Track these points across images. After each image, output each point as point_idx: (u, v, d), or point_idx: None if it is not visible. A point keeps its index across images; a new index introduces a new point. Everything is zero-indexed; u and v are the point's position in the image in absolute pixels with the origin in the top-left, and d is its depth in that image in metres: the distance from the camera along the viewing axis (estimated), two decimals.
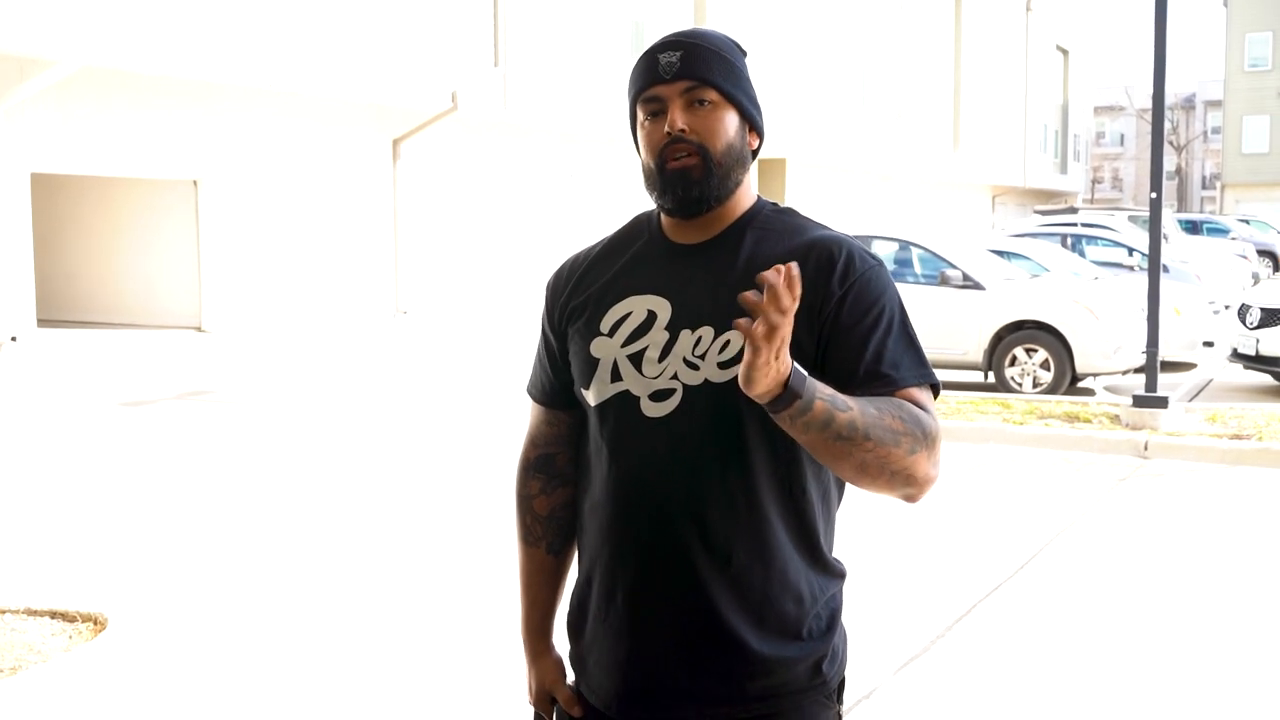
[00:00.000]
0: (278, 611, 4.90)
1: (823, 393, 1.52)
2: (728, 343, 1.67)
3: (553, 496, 1.89)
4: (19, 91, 12.04)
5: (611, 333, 1.75)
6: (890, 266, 11.85)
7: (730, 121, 1.72)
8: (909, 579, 5.48)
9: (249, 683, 4.15)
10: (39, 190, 14.14)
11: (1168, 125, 56.00)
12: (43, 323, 13.67)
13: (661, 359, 1.70)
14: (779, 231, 1.76)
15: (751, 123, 1.76)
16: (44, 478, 7.40)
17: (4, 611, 4.55)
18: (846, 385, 1.62)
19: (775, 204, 1.82)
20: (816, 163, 26.86)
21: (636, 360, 1.72)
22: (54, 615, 4.52)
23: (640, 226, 1.84)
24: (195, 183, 14.81)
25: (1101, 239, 17.66)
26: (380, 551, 5.83)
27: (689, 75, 1.71)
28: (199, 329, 15.05)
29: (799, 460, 1.71)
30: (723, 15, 23.30)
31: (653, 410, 1.70)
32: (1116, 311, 11.03)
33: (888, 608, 4.98)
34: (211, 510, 6.61)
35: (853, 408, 1.54)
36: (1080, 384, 11.29)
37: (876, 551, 5.76)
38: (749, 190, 1.79)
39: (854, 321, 1.66)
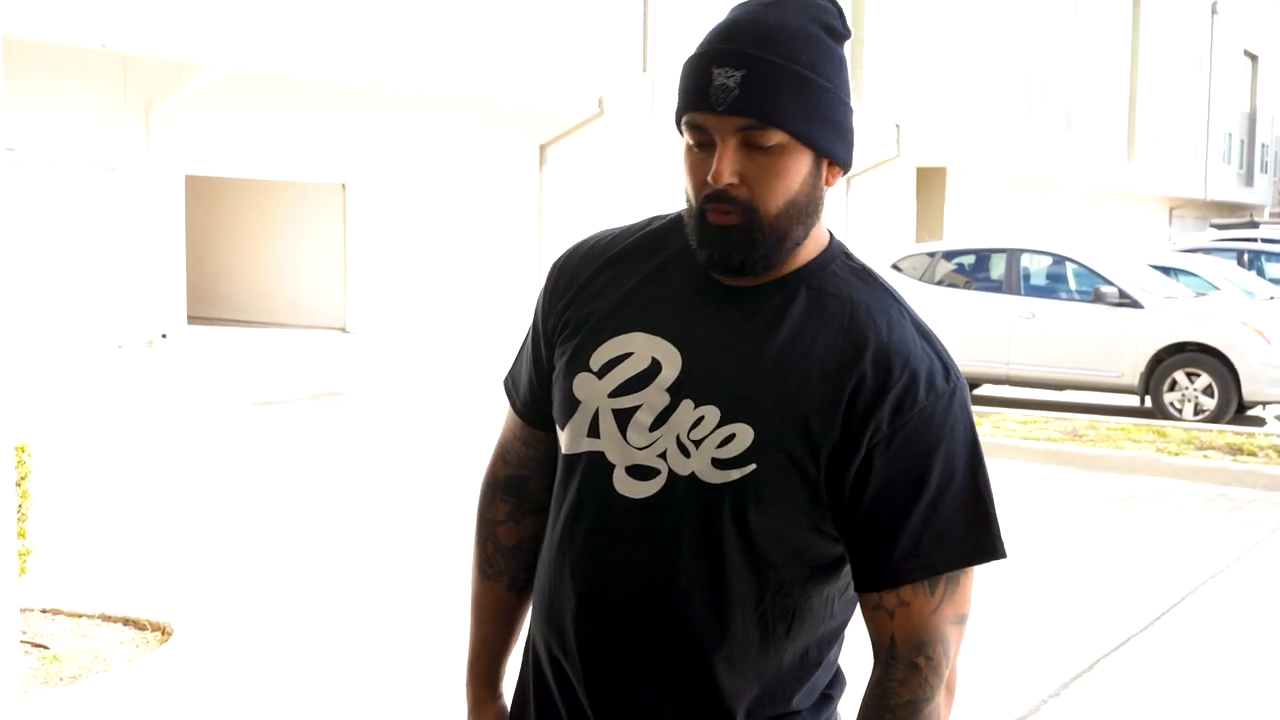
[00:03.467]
0: (350, 629, 4.76)
1: None
2: (732, 437, 1.34)
3: (522, 525, 1.58)
4: (175, 95, 12.40)
5: (601, 374, 1.40)
6: (1042, 281, 11.25)
7: (798, 169, 1.32)
8: (1025, 627, 5.03)
9: (300, 702, 4.00)
10: (192, 192, 14.57)
11: None
12: (193, 320, 14.07)
13: (654, 427, 1.37)
14: (848, 308, 1.37)
15: (833, 157, 1.35)
16: (159, 477, 7.49)
17: (81, 616, 4.52)
18: (867, 558, 1.34)
19: (850, 255, 1.43)
20: (978, 171, 26.00)
21: (623, 419, 1.39)
22: (126, 622, 4.46)
23: (673, 231, 1.45)
24: (343, 186, 15.07)
25: None
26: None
27: (747, 110, 1.28)
28: (343, 330, 15.30)
29: (788, 594, 1.40)
30: (880, 17, 22.73)
31: (626, 488, 1.38)
32: None
33: (996, 659, 4.55)
34: (309, 516, 6.56)
35: None
36: (1248, 413, 10.49)
37: (992, 594, 5.32)
38: (818, 234, 1.40)
39: (898, 476, 1.32)
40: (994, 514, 1.37)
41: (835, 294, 1.38)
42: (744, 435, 1.34)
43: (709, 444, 1.35)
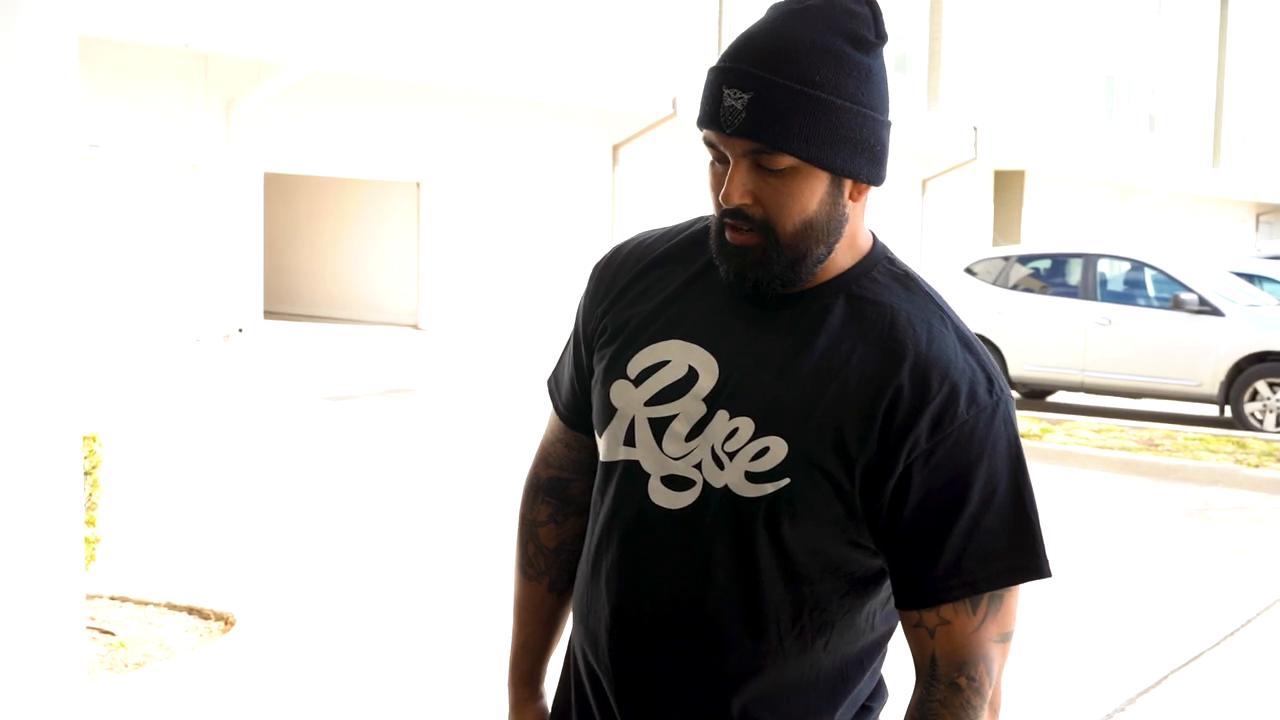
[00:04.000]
0: (411, 622, 4.79)
1: None
2: (766, 450, 1.31)
3: (563, 527, 1.58)
4: (254, 94, 12.60)
5: (638, 381, 1.38)
6: (1120, 287, 11.02)
7: (811, 191, 1.28)
8: (1093, 640, 4.92)
9: (361, 693, 4.04)
10: (270, 189, 14.81)
11: None
12: (269, 315, 14.30)
13: (690, 437, 1.35)
14: (887, 317, 1.33)
15: (854, 176, 1.30)
16: (230, 469, 7.61)
17: (147, 604, 4.60)
18: (907, 576, 1.31)
19: (893, 260, 1.38)
20: (1057, 175, 25.57)
21: (659, 428, 1.36)
22: (191, 611, 4.53)
23: (708, 235, 1.42)
24: (418, 184, 15.21)
25: None
26: None
27: (754, 135, 1.25)
28: (416, 327, 15.45)
29: (826, 608, 1.37)
30: (959, 18, 22.45)
31: (661, 498, 1.37)
32: None
33: (1063, 673, 4.46)
34: (375, 510, 6.62)
35: None
36: None
37: (1061, 606, 5.22)
38: (854, 240, 1.36)
39: (937, 491, 1.29)
40: (1038, 531, 1.33)
41: (875, 301, 1.35)
42: (778, 449, 1.31)
43: (743, 456, 1.32)
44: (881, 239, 1.42)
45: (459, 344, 14.57)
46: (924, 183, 22.74)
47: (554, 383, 1.59)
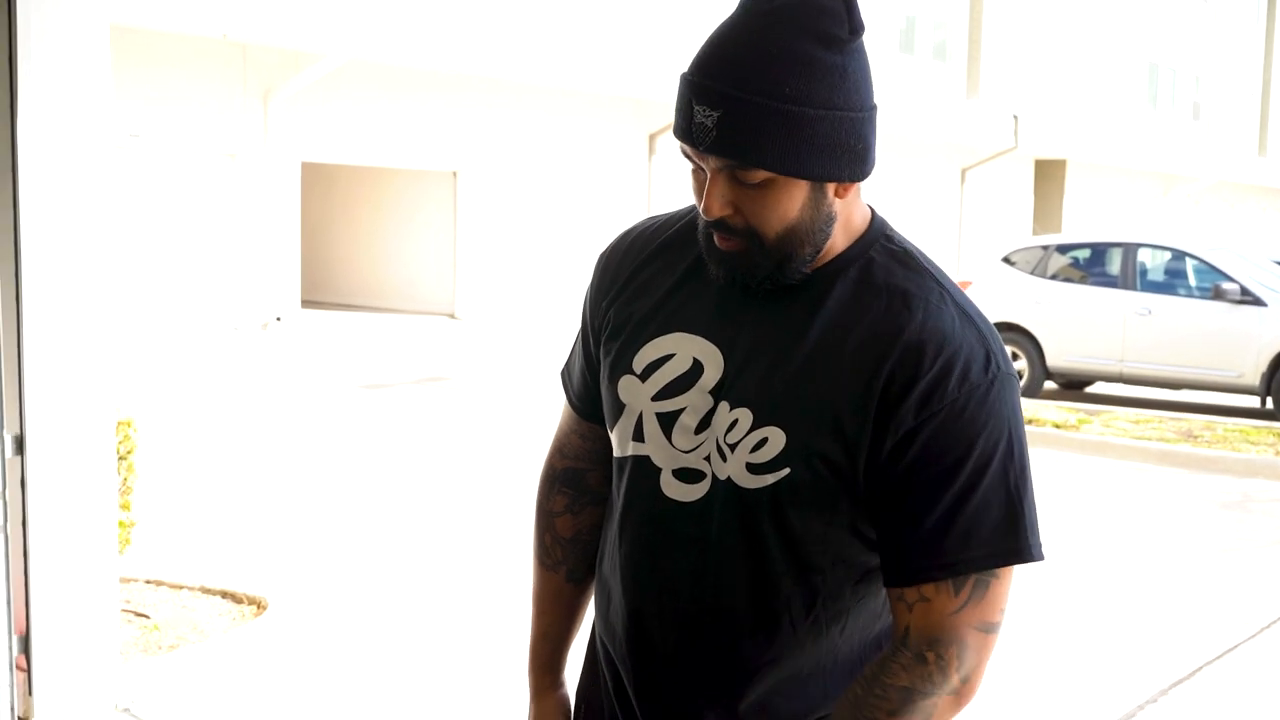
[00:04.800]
0: (443, 607, 4.82)
1: None
2: (765, 441, 1.31)
3: (580, 516, 1.58)
4: (291, 84, 12.68)
5: (644, 376, 1.38)
6: (1160, 277, 10.89)
7: (791, 199, 1.26)
8: (1128, 631, 4.88)
9: (391, 675, 4.06)
10: (308, 179, 14.90)
11: None
12: (306, 304, 14.39)
13: (699, 430, 1.35)
14: (884, 297, 1.31)
15: (836, 180, 1.27)
16: (268, 456, 7.67)
17: (181, 588, 4.65)
18: (890, 553, 1.30)
19: (891, 238, 1.37)
20: (1099, 164, 25.29)
21: (668, 423, 1.37)
22: (224, 595, 4.58)
23: None
24: (454, 173, 15.26)
25: None
26: None
27: (725, 153, 1.23)
28: (452, 316, 15.51)
29: (840, 597, 1.37)
30: (997, 6, 22.23)
31: (673, 491, 1.37)
32: None
33: (1097, 663, 4.42)
34: (409, 497, 6.66)
35: None
36: None
37: (1098, 595, 5.17)
38: (849, 223, 1.34)
39: (923, 467, 1.27)
40: (1028, 514, 1.30)
41: (873, 282, 1.33)
42: (776, 439, 1.31)
43: (743, 448, 1.32)
44: (880, 214, 1.40)
45: (495, 333, 14.62)
46: (964, 172, 22.55)
47: (566, 374, 1.59)
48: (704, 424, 1.35)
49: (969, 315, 1.33)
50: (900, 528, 1.30)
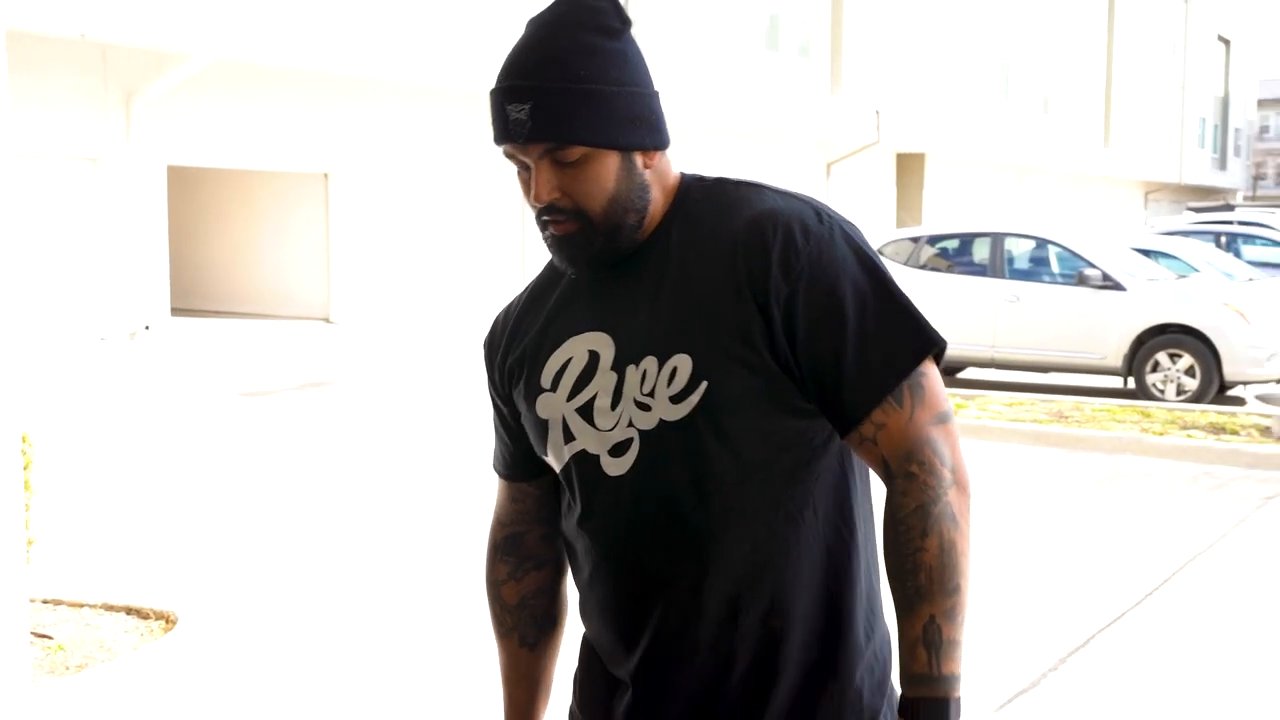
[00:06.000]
0: (352, 616, 4.77)
1: (949, 671, 1.37)
2: (675, 370, 1.42)
3: (522, 583, 1.67)
4: (156, 85, 12.33)
5: (554, 386, 1.50)
6: (1026, 265, 11.32)
7: (607, 171, 1.42)
8: (1021, 605, 5.09)
9: (307, 688, 4.02)
10: (175, 183, 14.50)
11: None
12: (176, 312, 14.01)
13: (614, 406, 1.46)
14: (711, 216, 1.47)
15: (641, 147, 1.44)
16: (152, 468, 7.47)
17: (84, 605, 4.52)
18: (830, 405, 1.40)
19: (702, 179, 1.53)
20: (957, 157, 26.09)
21: (587, 413, 1.48)
22: (129, 611, 4.47)
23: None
24: (326, 175, 15.02)
25: (1260, 238, 16.67)
26: (475, 556, 5.68)
27: (543, 137, 1.40)
28: (327, 320, 15.27)
29: (800, 481, 1.44)
30: (858, 4, 22.74)
31: (613, 468, 1.46)
32: (1271, 315, 10.31)
33: (994, 636, 4.61)
34: (305, 505, 6.56)
35: (944, 628, 1.37)
36: (1229, 393, 10.60)
37: (987, 572, 5.38)
38: (665, 187, 1.50)
39: (816, 321, 1.39)
40: (914, 311, 1.43)
41: (700, 211, 1.48)
42: (684, 364, 1.41)
43: (660, 388, 1.42)
44: (691, 171, 1.55)
45: (372, 337, 14.43)
46: (829, 166, 23.05)
47: (496, 460, 1.69)
48: (617, 397, 1.45)
49: (788, 193, 1.48)
50: (826, 379, 1.40)
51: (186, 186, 15.50)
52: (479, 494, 6.94)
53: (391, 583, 5.18)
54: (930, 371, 1.41)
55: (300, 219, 15.43)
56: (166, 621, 4.38)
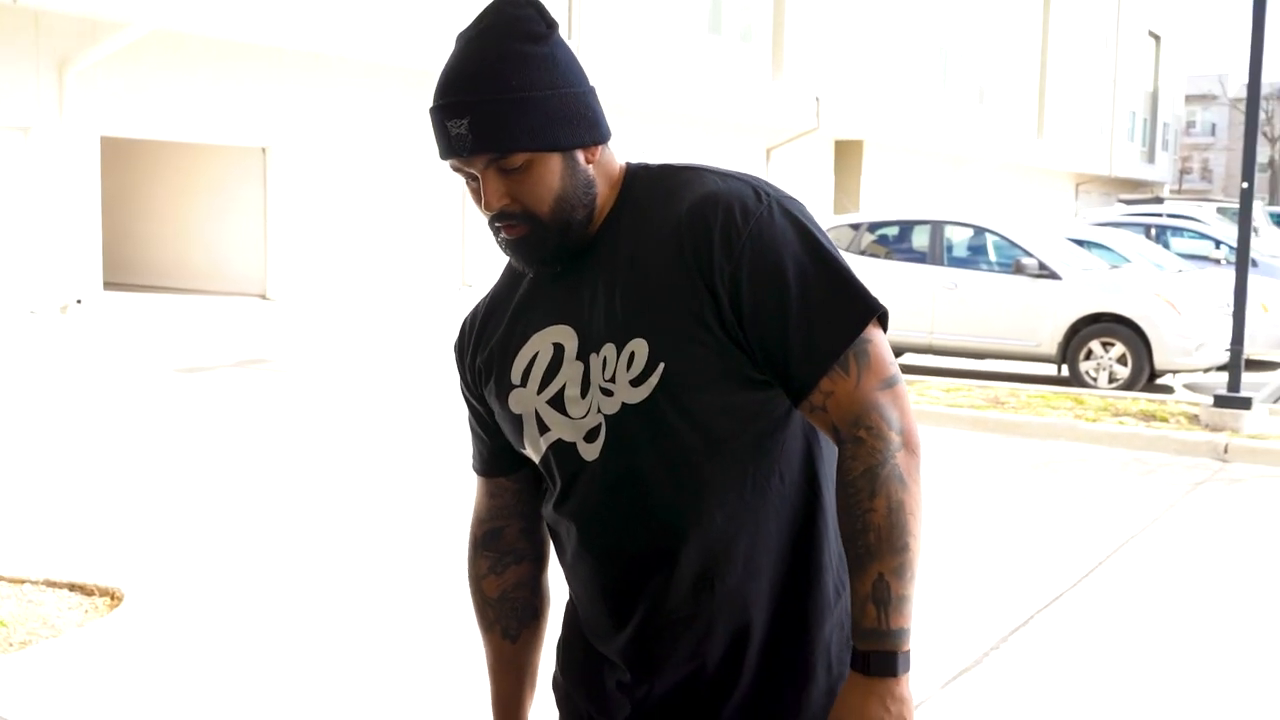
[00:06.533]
0: (299, 592, 4.75)
1: (898, 625, 1.39)
2: (633, 355, 1.46)
3: (503, 577, 1.71)
4: (90, 54, 12.07)
5: (524, 381, 1.55)
6: (963, 253, 11.47)
7: (551, 172, 1.47)
8: (962, 586, 5.19)
9: (257, 664, 4.00)
10: (108, 154, 14.21)
11: (1262, 115, 54.19)
12: (109, 286, 13.76)
13: (584, 394, 1.50)
14: (656, 203, 1.51)
15: (580, 145, 1.49)
16: (88, 444, 7.35)
17: (24, 582, 4.46)
18: (781, 377, 1.45)
19: (647, 166, 1.58)
20: (894, 144, 26.34)
21: (558, 403, 1.52)
22: (73, 588, 4.41)
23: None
24: (264, 149, 14.81)
25: (1187, 230, 17.04)
26: (418, 530, 5.67)
27: (485, 148, 1.44)
28: (264, 296, 15.08)
29: (767, 452, 1.49)
30: None
31: (590, 453, 1.51)
32: (1200, 306, 10.56)
33: (938, 617, 4.70)
34: (247, 482, 6.50)
35: (892, 584, 1.38)
36: (1159, 381, 10.84)
37: (929, 555, 5.47)
38: (610, 179, 1.55)
39: (760, 297, 1.43)
40: (854, 279, 1.46)
41: (646, 197, 1.53)
42: (640, 347, 1.46)
43: (620, 374, 1.47)
44: (636, 160, 1.59)
45: (309, 313, 14.28)
46: (769, 151, 23.16)
47: (473, 458, 1.73)
48: (585, 386, 1.49)
49: (729, 174, 1.52)
50: (775, 353, 1.44)
51: (121, 158, 15.20)
52: (420, 467, 6.93)
53: (336, 557, 5.16)
54: (875, 338, 1.45)
55: (238, 193, 15.21)
56: (112, 598, 4.34)
